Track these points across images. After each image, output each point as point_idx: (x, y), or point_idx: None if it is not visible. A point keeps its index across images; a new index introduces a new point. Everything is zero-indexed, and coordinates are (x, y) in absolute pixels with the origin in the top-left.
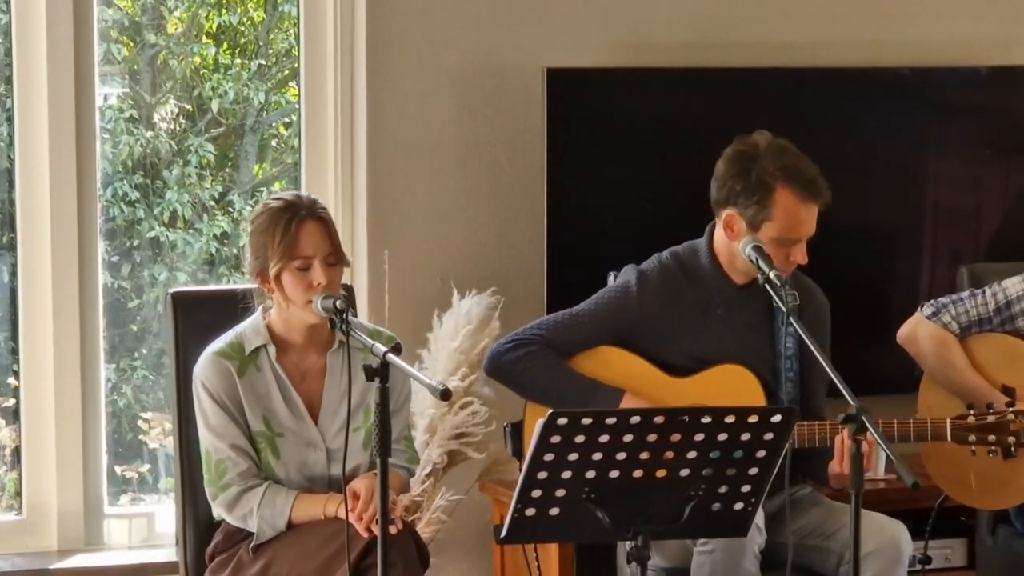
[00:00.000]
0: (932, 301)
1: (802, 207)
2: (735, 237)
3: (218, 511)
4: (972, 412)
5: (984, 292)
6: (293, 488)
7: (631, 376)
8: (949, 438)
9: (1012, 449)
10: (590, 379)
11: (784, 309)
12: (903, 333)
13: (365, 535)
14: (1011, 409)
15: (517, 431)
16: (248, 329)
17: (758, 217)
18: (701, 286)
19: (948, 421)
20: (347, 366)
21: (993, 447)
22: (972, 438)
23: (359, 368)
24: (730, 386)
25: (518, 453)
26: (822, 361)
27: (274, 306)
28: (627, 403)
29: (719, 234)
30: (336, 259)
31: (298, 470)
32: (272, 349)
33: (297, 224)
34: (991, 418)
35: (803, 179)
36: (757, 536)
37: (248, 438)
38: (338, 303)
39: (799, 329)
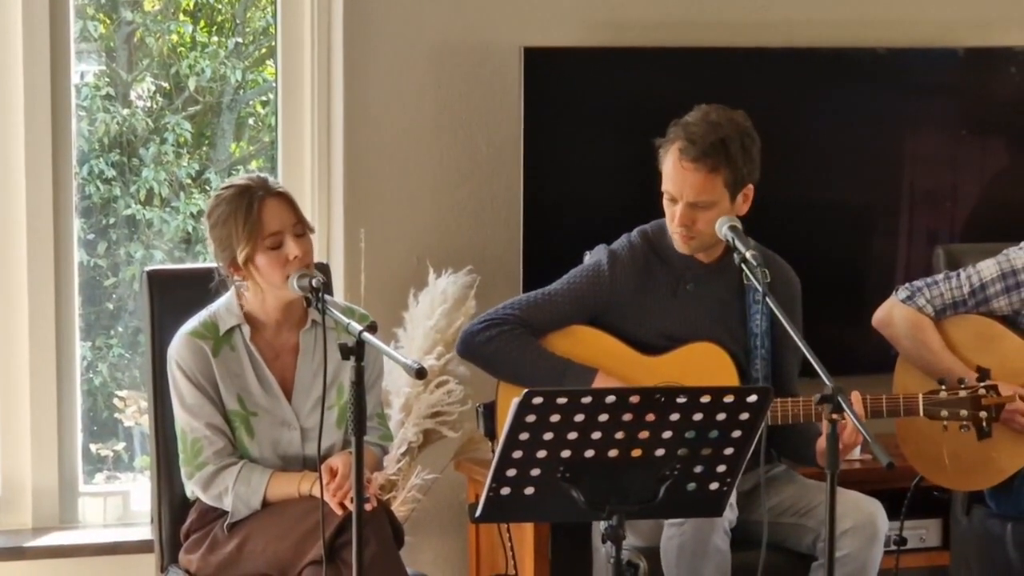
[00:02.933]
0: (907, 284)
1: (678, 164)
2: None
3: (193, 490)
4: (944, 388)
5: (959, 275)
6: (268, 467)
7: (604, 355)
8: (921, 413)
9: (984, 425)
10: (562, 358)
11: (761, 289)
12: (878, 316)
13: (339, 512)
14: (982, 384)
15: (489, 412)
16: (222, 309)
17: (661, 164)
18: (669, 264)
19: (920, 396)
20: (322, 345)
21: (965, 422)
22: (944, 413)
23: (333, 347)
24: (702, 364)
25: (490, 434)
26: (798, 341)
27: (249, 289)
28: (600, 381)
29: None
30: (303, 228)
31: (272, 449)
32: (246, 329)
33: (258, 204)
34: (963, 393)
35: (688, 137)
36: (728, 512)
37: (223, 417)
38: (314, 281)
39: (776, 310)
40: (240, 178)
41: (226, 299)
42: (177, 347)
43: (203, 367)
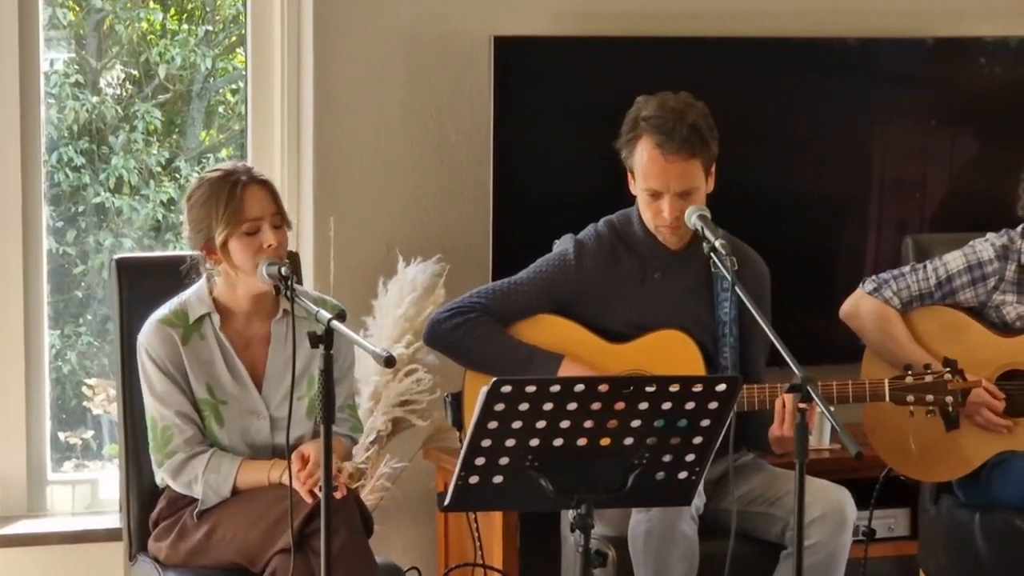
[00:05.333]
0: (874, 276)
1: (658, 157)
2: (634, 186)
3: (163, 477)
4: (910, 373)
5: (925, 267)
6: (237, 455)
7: (570, 343)
8: (887, 398)
9: (951, 410)
10: (528, 345)
11: (730, 277)
12: (845, 309)
13: (309, 500)
14: (947, 369)
15: (457, 402)
16: (192, 297)
17: (629, 163)
18: (636, 252)
19: (886, 381)
20: (292, 334)
21: (931, 408)
22: (910, 398)
23: (304, 336)
24: (669, 351)
25: (458, 424)
26: (767, 330)
27: (220, 275)
28: (565, 367)
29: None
30: (280, 220)
31: (241, 437)
32: (216, 317)
33: (241, 189)
34: (928, 378)
35: (664, 129)
36: (695, 499)
37: (193, 405)
38: (283, 270)
39: (745, 299)
40: (226, 164)
41: (196, 287)
42: (146, 335)
43: (172, 355)
